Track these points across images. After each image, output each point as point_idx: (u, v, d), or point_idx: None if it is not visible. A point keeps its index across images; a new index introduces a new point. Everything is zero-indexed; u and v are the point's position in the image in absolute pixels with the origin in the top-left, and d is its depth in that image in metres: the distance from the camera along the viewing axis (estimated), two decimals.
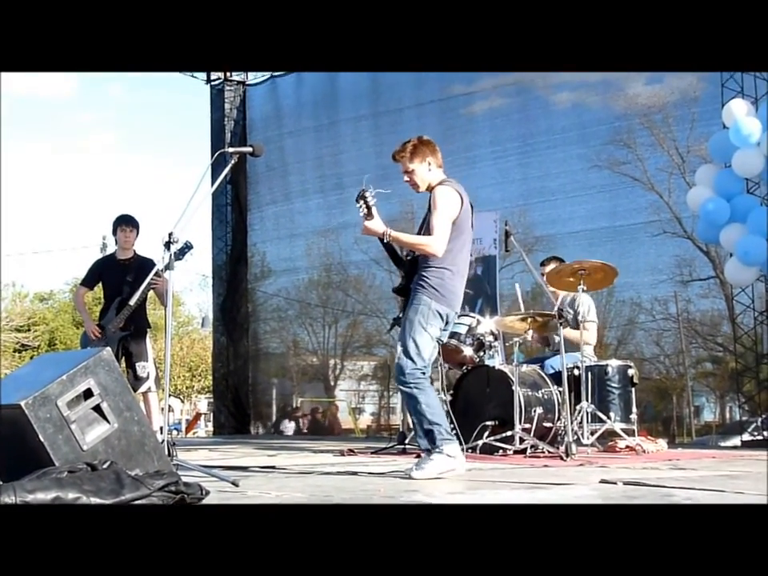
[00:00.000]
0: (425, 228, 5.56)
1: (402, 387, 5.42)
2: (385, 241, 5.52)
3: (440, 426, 5.33)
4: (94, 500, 3.52)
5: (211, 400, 32.17)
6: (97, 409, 4.16)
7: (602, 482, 4.89)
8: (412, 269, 5.61)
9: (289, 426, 15.65)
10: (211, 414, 30.39)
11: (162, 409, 8.85)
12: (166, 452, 4.63)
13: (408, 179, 5.67)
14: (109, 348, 4.40)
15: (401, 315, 8.70)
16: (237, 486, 4.68)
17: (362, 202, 5.46)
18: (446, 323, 5.55)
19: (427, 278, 5.49)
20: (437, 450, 5.30)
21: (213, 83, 15.29)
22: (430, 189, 5.64)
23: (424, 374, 5.41)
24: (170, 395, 5.71)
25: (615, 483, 4.76)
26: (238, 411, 14.81)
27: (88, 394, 4.14)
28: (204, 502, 3.85)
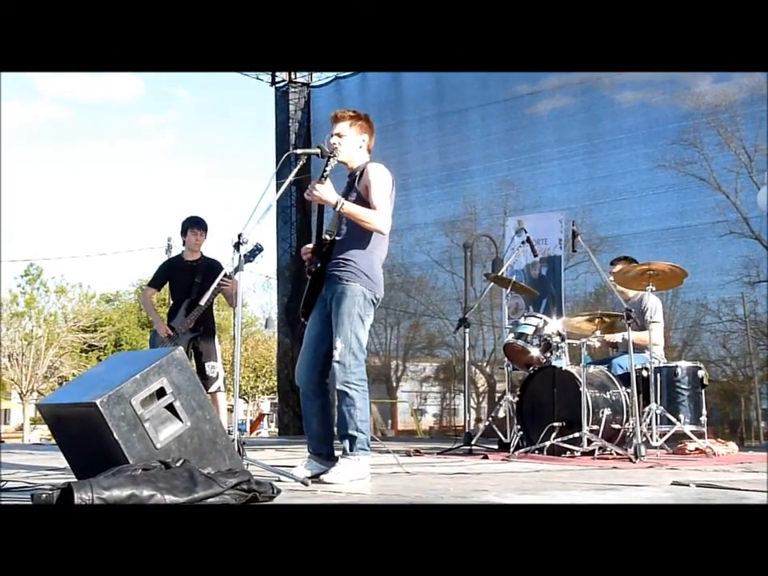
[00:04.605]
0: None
1: (343, 387, 5.12)
2: (337, 210, 5.14)
3: (364, 435, 5.15)
4: (169, 497, 3.56)
5: (274, 400, 32.57)
6: (170, 407, 4.21)
7: (674, 483, 4.84)
8: (329, 251, 5.29)
9: None
10: (274, 415, 30.72)
11: (230, 409, 8.94)
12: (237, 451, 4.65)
13: (335, 141, 5.33)
14: (181, 347, 4.45)
15: (466, 316, 8.79)
16: (307, 485, 4.70)
17: (333, 161, 5.17)
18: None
19: (356, 263, 5.22)
20: (352, 456, 5.14)
21: (277, 85, 15.36)
22: (352, 167, 5.40)
23: (365, 372, 5.23)
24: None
25: (688, 485, 4.71)
26: (302, 412, 14.83)
27: (161, 392, 4.19)
28: (275, 500, 3.88)
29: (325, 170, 5.16)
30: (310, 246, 5.57)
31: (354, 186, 5.34)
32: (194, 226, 8.43)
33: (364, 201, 5.24)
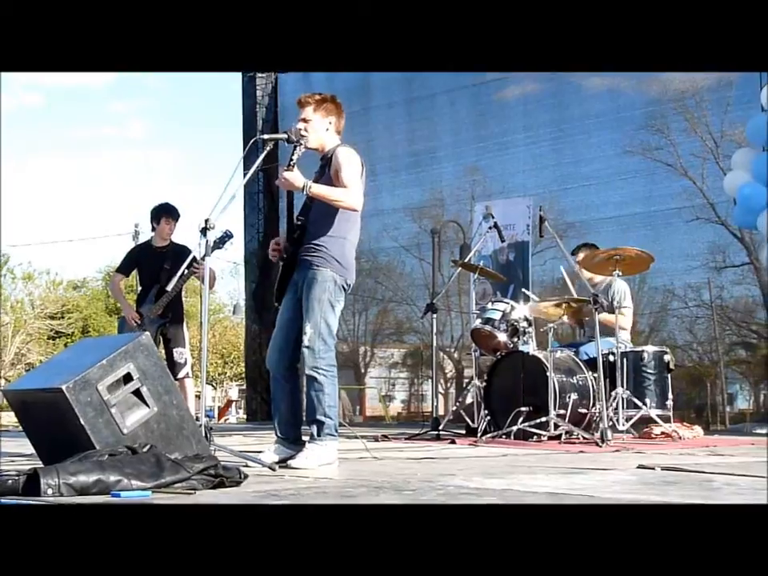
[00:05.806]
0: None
1: (312, 372, 5.13)
2: (304, 193, 5.17)
3: (332, 420, 5.16)
4: (135, 483, 3.56)
5: (242, 387, 32.49)
6: (136, 393, 4.20)
7: (640, 467, 4.88)
8: (300, 236, 5.28)
9: None
10: (242, 401, 30.63)
11: (197, 395, 8.92)
12: (204, 436, 4.64)
13: (301, 127, 5.29)
14: (148, 333, 4.44)
15: (434, 302, 8.80)
16: (274, 470, 4.70)
17: (301, 148, 5.18)
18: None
19: (327, 248, 5.20)
20: (319, 440, 5.15)
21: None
22: (323, 150, 5.38)
23: (335, 358, 5.25)
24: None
25: (653, 469, 4.75)
26: (270, 398, 14.77)
27: (128, 378, 4.18)
28: (242, 485, 3.88)
29: (291, 158, 5.17)
30: (278, 239, 5.57)
31: (326, 171, 5.34)
32: (168, 214, 8.36)
33: (334, 185, 5.23)
